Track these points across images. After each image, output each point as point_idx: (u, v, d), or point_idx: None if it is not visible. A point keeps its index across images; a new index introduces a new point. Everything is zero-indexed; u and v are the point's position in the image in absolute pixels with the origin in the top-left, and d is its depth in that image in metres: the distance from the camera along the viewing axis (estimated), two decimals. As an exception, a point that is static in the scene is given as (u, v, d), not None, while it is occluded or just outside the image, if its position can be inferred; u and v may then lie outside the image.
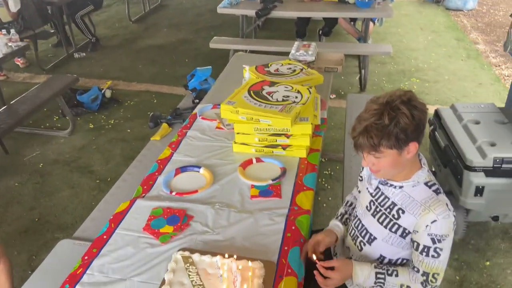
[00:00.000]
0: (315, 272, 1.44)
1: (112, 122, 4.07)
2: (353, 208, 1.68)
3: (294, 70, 2.53)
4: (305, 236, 1.62)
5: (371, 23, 4.89)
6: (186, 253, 1.47)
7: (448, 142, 2.55)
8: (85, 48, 5.72)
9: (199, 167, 1.97)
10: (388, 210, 1.44)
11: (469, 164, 2.29)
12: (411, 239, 1.41)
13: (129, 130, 3.93)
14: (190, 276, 1.39)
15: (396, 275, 1.42)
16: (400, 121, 1.27)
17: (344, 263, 1.47)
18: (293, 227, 1.62)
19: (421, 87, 4.48)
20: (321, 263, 1.44)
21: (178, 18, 6.90)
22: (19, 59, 5.26)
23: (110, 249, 1.56)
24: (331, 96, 4.12)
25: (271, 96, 2.09)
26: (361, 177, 1.63)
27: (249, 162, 2.00)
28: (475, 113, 2.64)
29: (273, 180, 1.86)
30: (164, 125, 2.89)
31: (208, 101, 2.66)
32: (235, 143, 2.08)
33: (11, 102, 3.63)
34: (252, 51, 4.42)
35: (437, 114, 2.78)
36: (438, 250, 1.35)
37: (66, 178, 3.32)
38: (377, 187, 1.49)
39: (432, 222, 1.33)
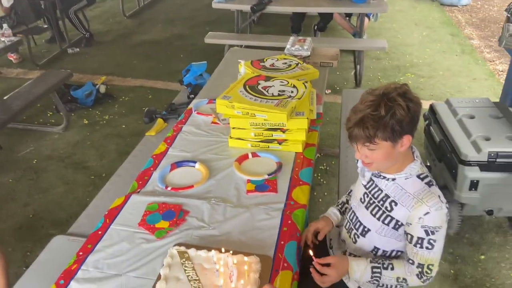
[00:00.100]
0: (311, 269, 1.44)
1: (106, 117, 4.05)
2: None
3: (290, 65, 2.52)
4: (301, 230, 1.63)
5: (366, 19, 4.89)
6: (182, 248, 1.47)
7: (443, 137, 2.56)
8: (79, 44, 5.67)
9: (195, 162, 1.96)
10: (381, 202, 1.45)
11: (464, 159, 2.30)
12: (405, 232, 1.41)
13: (124, 126, 3.91)
14: (186, 271, 1.38)
15: (392, 268, 1.43)
16: (396, 112, 1.28)
17: (340, 259, 1.48)
18: (289, 222, 1.62)
19: (416, 82, 4.49)
20: (317, 260, 1.44)
21: (173, 13, 6.86)
22: (12, 55, 5.22)
23: (105, 245, 1.55)
24: (326, 91, 4.12)
25: (267, 91, 2.08)
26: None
27: (245, 157, 2.00)
28: (470, 108, 2.65)
29: (269, 174, 1.85)
30: (159, 120, 2.88)
31: (203, 96, 2.65)
32: (231, 138, 2.08)
33: (4, 98, 3.59)
34: (247, 46, 4.40)
35: (432, 109, 2.79)
36: (432, 241, 1.36)
37: (61, 174, 3.30)
38: (371, 179, 1.50)
39: (425, 214, 1.33)
